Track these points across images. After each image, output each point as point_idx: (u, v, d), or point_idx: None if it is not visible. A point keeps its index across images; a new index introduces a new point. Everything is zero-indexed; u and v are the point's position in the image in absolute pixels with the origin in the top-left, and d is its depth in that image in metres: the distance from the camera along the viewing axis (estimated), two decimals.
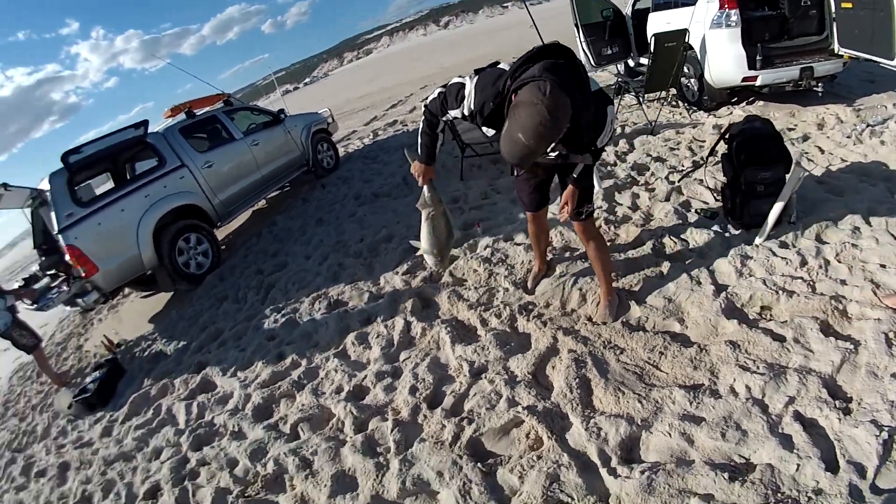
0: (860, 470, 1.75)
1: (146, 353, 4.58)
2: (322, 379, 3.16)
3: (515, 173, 2.85)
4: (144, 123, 5.89)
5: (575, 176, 2.46)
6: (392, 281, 4.00)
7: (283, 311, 4.14)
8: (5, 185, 4.93)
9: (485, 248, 3.99)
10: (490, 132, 2.23)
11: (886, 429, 1.83)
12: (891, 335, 2.23)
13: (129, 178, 6.32)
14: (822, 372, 2.14)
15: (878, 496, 1.68)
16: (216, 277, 5.59)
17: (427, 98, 2.36)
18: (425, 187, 2.58)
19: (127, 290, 6.53)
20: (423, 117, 2.41)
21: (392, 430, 2.52)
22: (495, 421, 2.36)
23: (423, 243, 2.68)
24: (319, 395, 2.99)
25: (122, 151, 6.00)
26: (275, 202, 8.08)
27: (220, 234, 6.84)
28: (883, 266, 2.67)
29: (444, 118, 2.32)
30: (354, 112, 16.90)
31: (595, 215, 2.96)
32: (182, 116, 6.78)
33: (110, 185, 6.35)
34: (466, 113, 2.19)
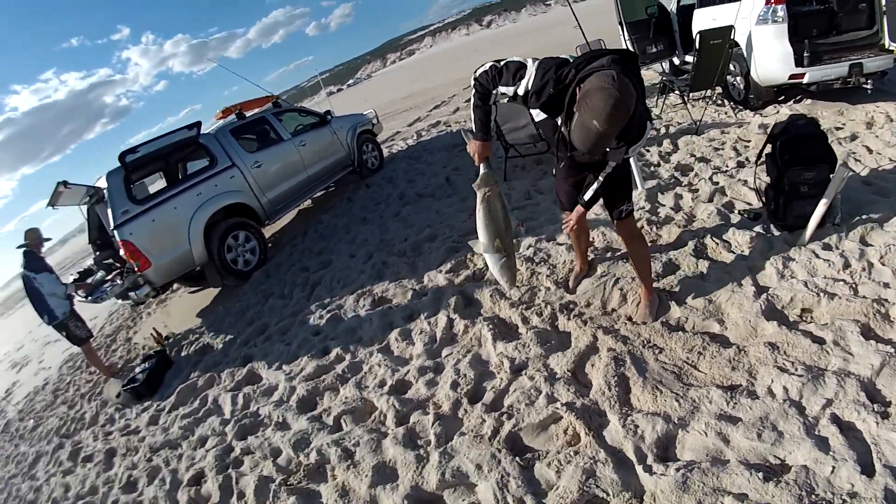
0: None
1: (194, 346, 4.81)
2: (365, 373, 3.27)
3: (555, 172, 2.90)
4: (197, 125, 6.14)
5: (586, 198, 2.63)
6: (435, 279, 4.08)
7: (328, 308, 4.27)
8: (65, 183, 5.25)
9: (528, 248, 4.04)
10: (540, 115, 2.30)
11: None
12: None
13: (181, 176, 6.60)
14: (862, 375, 2.11)
15: None
16: (263, 274, 5.80)
17: (477, 70, 2.35)
18: (482, 165, 2.55)
19: (176, 286, 6.85)
20: (473, 91, 2.40)
21: (433, 424, 2.60)
22: (534, 416, 2.41)
23: (482, 234, 2.49)
24: (363, 389, 3.10)
25: (175, 151, 6.25)
26: (320, 201, 8.30)
27: (267, 232, 7.09)
28: None
29: (494, 91, 2.35)
30: (398, 113, 17.11)
31: (637, 216, 2.97)
32: (233, 118, 7.03)
33: (163, 183, 6.65)
34: (521, 92, 2.21)
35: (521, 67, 2.20)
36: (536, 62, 2.18)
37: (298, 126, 7.82)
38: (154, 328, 5.61)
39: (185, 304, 6.11)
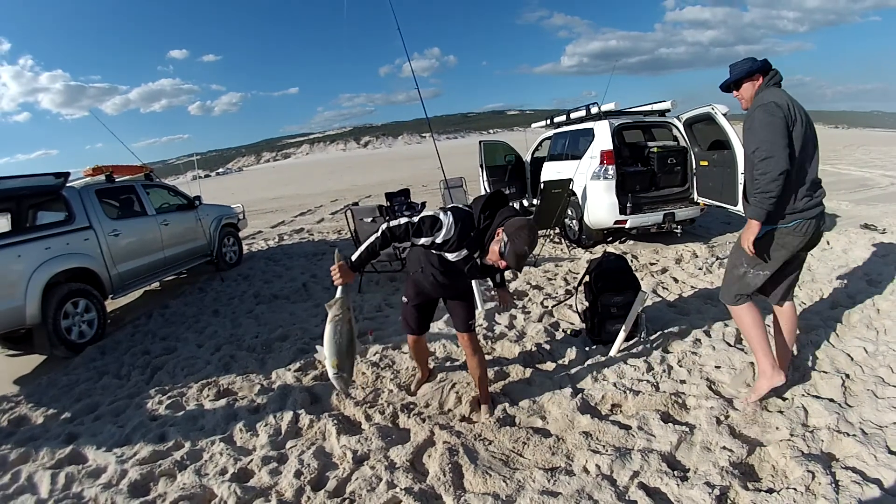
0: None
1: (7, 415, 4.12)
2: (206, 461, 3.11)
3: (405, 300, 3.29)
4: (65, 175, 5.80)
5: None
6: (284, 376, 4.11)
7: (168, 394, 4.03)
8: None
9: (374, 354, 4.33)
10: (453, 255, 2.69)
11: (718, 487, 2.34)
12: (721, 417, 2.92)
13: (31, 224, 6.02)
14: (663, 450, 2.67)
15: None
16: (97, 350, 5.30)
17: (390, 222, 2.66)
18: (340, 289, 2.71)
19: None
20: (378, 237, 2.63)
21: None
22: (375, 501, 2.54)
23: (326, 347, 2.68)
24: (202, 476, 2.96)
25: (32, 195, 5.82)
26: (170, 286, 7.91)
27: (110, 306, 6.54)
28: (717, 367, 3.54)
29: (403, 244, 2.74)
30: (264, 212, 17.10)
31: (476, 331, 3.44)
32: (102, 178, 6.68)
33: (7, 226, 6.03)
34: (439, 241, 2.62)
35: (435, 221, 2.61)
36: (448, 215, 2.63)
37: (165, 204, 7.61)
38: None
39: (0, 367, 5.31)
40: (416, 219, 2.65)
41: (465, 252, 2.70)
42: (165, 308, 6.60)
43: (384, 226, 2.66)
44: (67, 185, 5.98)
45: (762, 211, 2.79)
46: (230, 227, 8.91)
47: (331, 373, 2.66)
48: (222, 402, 3.86)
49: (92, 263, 5.79)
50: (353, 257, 2.66)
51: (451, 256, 2.71)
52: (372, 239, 2.65)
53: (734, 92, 3.16)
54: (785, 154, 2.70)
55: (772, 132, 2.74)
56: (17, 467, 3.32)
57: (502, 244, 2.50)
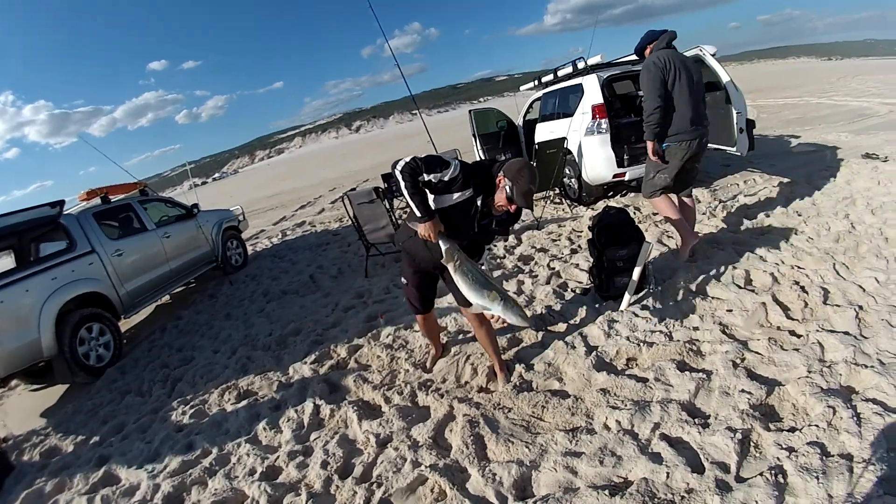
0: (724, 467, 2.21)
1: (38, 448, 4.17)
2: (234, 464, 3.17)
3: (405, 281, 3.30)
4: (60, 203, 5.78)
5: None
6: (301, 370, 4.14)
7: (191, 403, 4.09)
8: None
9: (387, 336, 4.34)
10: (457, 195, 2.67)
11: (740, 431, 2.34)
12: (737, 360, 2.92)
13: (35, 258, 6.03)
14: (681, 399, 2.67)
15: (743, 484, 2.10)
16: (117, 371, 5.37)
17: (398, 164, 2.61)
18: (441, 241, 2.69)
19: (14, 382, 6.03)
20: (402, 182, 2.60)
21: (306, 502, 2.64)
22: (402, 481, 2.57)
23: (473, 297, 2.64)
24: (232, 479, 3.01)
25: (32, 229, 5.82)
26: (180, 297, 7.96)
27: (123, 326, 6.61)
28: (729, 310, 3.53)
29: (420, 177, 2.63)
30: (264, 211, 17.10)
31: None
32: (97, 201, 6.68)
33: (12, 263, 6.04)
34: (446, 178, 2.62)
35: (441, 162, 2.64)
36: (455, 161, 2.69)
37: (164, 217, 7.58)
38: None
39: (26, 403, 5.36)
40: (419, 158, 2.65)
41: (469, 192, 2.69)
42: (178, 319, 6.65)
43: (399, 167, 2.62)
44: (64, 212, 5.97)
45: (649, 134, 4.34)
46: (232, 229, 8.92)
47: (499, 310, 2.58)
48: (244, 403, 3.90)
49: (100, 286, 5.81)
50: (418, 212, 2.64)
51: (455, 196, 2.67)
52: (403, 186, 2.61)
53: (644, 54, 4.63)
54: (656, 97, 4.21)
55: (649, 82, 4.25)
56: (54, 498, 3.38)
57: (507, 188, 2.59)
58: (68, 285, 5.42)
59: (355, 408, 3.36)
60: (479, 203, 2.76)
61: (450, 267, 2.67)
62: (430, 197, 2.70)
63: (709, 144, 6.46)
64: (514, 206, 2.67)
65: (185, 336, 5.94)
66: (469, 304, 2.91)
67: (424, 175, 2.61)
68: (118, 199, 7.05)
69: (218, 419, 3.79)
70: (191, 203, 8.28)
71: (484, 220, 2.85)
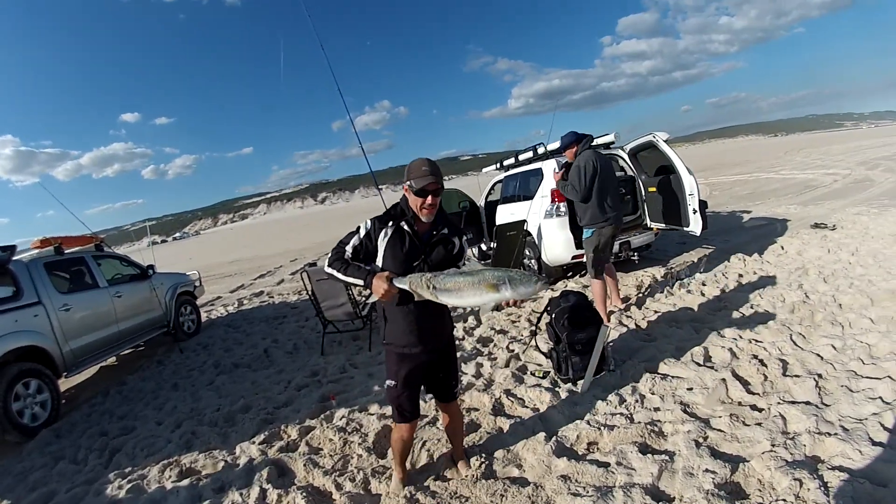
0: None
1: None
2: None
3: (393, 383, 2.82)
4: (12, 248, 5.62)
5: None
6: (248, 450, 3.96)
7: (128, 477, 3.84)
8: None
9: (341, 419, 4.22)
10: (382, 242, 2.60)
11: None
12: (700, 440, 2.93)
13: None
14: (645, 483, 2.66)
15: None
16: (52, 433, 5.03)
17: (328, 259, 2.64)
18: (398, 283, 2.47)
19: None
20: (333, 271, 2.58)
21: None
22: None
23: (471, 302, 2.40)
24: None
25: None
26: (127, 360, 7.64)
27: (63, 385, 6.26)
28: (689, 388, 3.57)
29: (363, 294, 2.69)
30: (222, 277, 16.83)
31: None
32: (50, 250, 6.47)
33: None
34: (363, 233, 2.62)
35: (355, 229, 2.66)
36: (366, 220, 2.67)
37: (117, 275, 7.41)
38: None
39: None
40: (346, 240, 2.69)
41: (390, 226, 2.62)
42: (122, 384, 6.36)
43: (325, 265, 2.65)
44: (14, 258, 5.80)
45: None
46: (187, 294, 8.75)
47: (508, 295, 2.29)
48: (185, 482, 3.68)
49: (42, 341, 5.57)
50: (359, 278, 2.52)
51: (383, 243, 2.61)
52: (336, 271, 2.59)
53: (566, 153, 5.65)
54: (580, 192, 5.33)
55: (577, 180, 5.33)
56: None
57: (409, 185, 2.53)
58: (9, 335, 5.21)
59: (304, 494, 3.21)
60: (406, 227, 2.62)
61: (427, 296, 2.40)
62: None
63: (665, 225, 6.91)
64: (429, 199, 2.51)
65: (129, 403, 5.67)
66: (451, 398, 2.95)
67: (346, 248, 2.63)
68: (72, 252, 6.89)
69: (156, 497, 3.57)
70: (147, 263, 8.13)
71: (425, 235, 2.68)
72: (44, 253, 6.46)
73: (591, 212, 5.43)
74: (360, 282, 2.52)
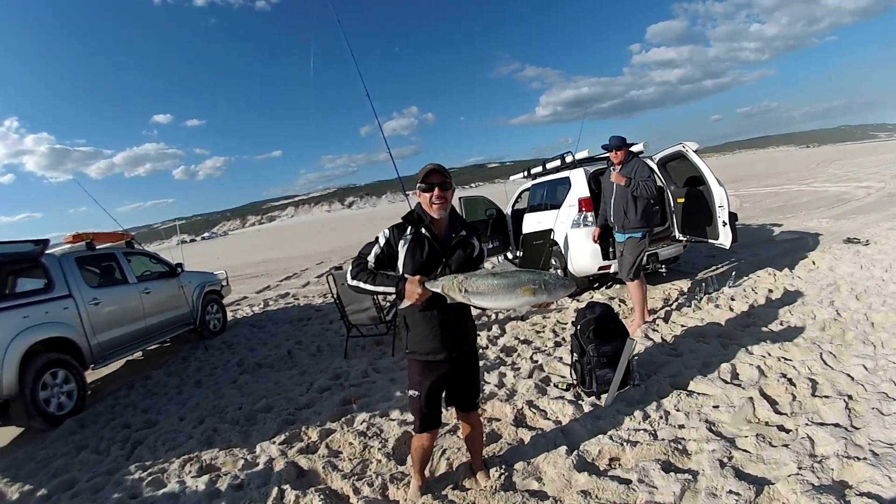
0: None
1: None
2: None
3: (416, 393, 2.78)
4: (45, 242, 5.75)
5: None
6: (268, 450, 3.97)
7: (149, 470, 3.88)
8: None
9: (361, 423, 4.20)
10: (402, 247, 2.61)
11: None
12: (724, 459, 2.82)
13: (10, 292, 5.82)
14: (666, 502, 2.58)
15: None
16: (76, 423, 5.13)
17: (347, 272, 2.65)
18: (430, 287, 2.43)
19: None
20: (358, 282, 2.57)
21: None
22: None
23: (505, 304, 2.40)
24: None
25: (10, 262, 5.72)
26: (152, 355, 7.77)
27: (89, 377, 6.39)
28: (716, 406, 3.45)
29: (370, 258, 2.64)
30: (249, 277, 17.03)
31: None
32: (82, 245, 6.64)
33: None
34: (383, 241, 2.64)
35: (373, 239, 2.68)
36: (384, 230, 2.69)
37: (146, 272, 7.54)
38: None
39: None
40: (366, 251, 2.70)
41: (409, 231, 2.64)
42: (147, 379, 6.47)
43: (348, 278, 2.65)
44: (47, 252, 5.94)
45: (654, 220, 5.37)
46: (213, 293, 8.85)
47: (544, 298, 2.31)
48: (204, 478, 3.69)
49: (71, 333, 5.69)
50: (388, 286, 2.50)
51: (402, 249, 2.61)
52: (363, 283, 2.58)
53: (616, 153, 5.50)
54: (655, 190, 5.35)
55: (652, 179, 5.38)
56: None
57: (419, 189, 2.61)
58: (40, 326, 5.32)
59: (322, 496, 3.20)
60: (424, 232, 2.63)
61: (459, 298, 2.36)
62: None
63: (694, 237, 6.72)
64: (435, 192, 2.57)
65: (152, 398, 5.75)
66: (472, 408, 2.93)
67: (368, 258, 2.64)
68: (103, 248, 7.05)
69: (175, 491, 3.59)
70: (175, 261, 8.26)
71: (444, 238, 2.67)
72: (76, 248, 6.61)
73: (648, 214, 5.47)
74: (391, 289, 2.49)
